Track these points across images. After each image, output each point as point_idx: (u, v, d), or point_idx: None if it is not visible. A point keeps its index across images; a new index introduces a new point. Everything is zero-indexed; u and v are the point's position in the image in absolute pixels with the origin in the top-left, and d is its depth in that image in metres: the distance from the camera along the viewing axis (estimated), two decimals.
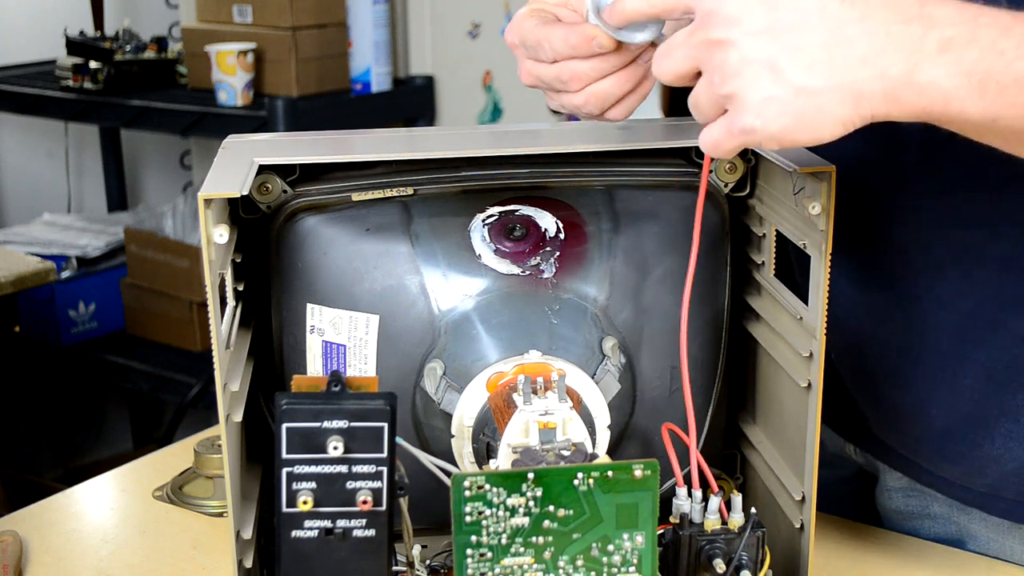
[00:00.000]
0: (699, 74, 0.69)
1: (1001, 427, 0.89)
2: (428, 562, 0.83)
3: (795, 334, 0.85)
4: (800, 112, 0.65)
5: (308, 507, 0.70)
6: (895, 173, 0.88)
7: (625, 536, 0.72)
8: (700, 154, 0.88)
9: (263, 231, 0.87)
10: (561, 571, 0.72)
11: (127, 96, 2.65)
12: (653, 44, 0.76)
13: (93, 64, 2.70)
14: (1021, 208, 0.83)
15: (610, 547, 0.72)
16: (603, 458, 0.74)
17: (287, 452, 0.70)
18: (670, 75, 0.70)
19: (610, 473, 0.71)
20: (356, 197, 0.86)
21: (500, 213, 0.87)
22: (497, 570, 0.72)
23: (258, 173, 0.82)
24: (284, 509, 0.70)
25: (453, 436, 0.82)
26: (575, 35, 0.76)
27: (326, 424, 0.69)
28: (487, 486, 0.70)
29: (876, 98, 0.65)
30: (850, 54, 0.64)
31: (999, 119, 0.65)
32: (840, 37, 0.65)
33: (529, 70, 0.80)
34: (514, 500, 0.70)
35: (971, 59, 0.64)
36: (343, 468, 0.70)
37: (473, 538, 0.71)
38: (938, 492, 0.97)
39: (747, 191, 0.91)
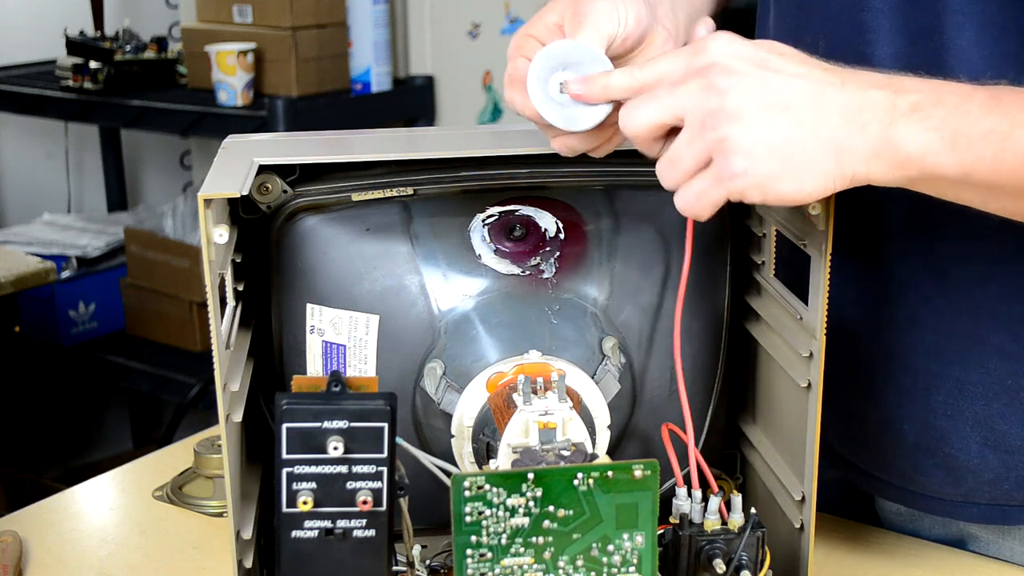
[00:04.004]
0: (670, 133, 0.72)
1: (977, 436, 0.90)
2: (428, 562, 0.83)
3: (795, 334, 0.85)
4: (787, 159, 0.69)
5: (308, 507, 0.70)
6: (866, 190, 0.89)
7: (625, 536, 0.72)
8: None
9: (263, 231, 0.87)
10: (561, 571, 0.72)
11: (127, 96, 2.65)
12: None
13: (93, 64, 2.70)
14: (994, 225, 0.84)
15: (610, 547, 0.72)
16: (603, 458, 0.74)
17: (287, 452, 0.70)
18: (645, 125, 0.72)
19: (610, 473, 0.71)
20: (356, 197, 0.86)
21: (500, 213, 0.87)
22: (497, 570, 0.72)
23: (258, 173, 0.82)
24: (284, 509, 0.70)
25: (453, 436, 0.82)
26: (528, 109, 0.78)
27: (326, 424, 0.69)
28: (487, 486, 0.70)
29: (856, 154, 0.69)
30: (833, 113, 0.69)
31: (971, 173, 0.69)
32: (824, 98, 0.69)
33: None
34: (514, 500, 0.70)
35: (939, 117, 0.69)
36: (343, 468, 0.70)
37: (473, 538, 0.71)
38: (910, 507, 0.97)
39: None
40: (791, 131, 0.68)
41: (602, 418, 0.82)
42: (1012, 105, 0.69)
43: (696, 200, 0.71)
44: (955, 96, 0.69)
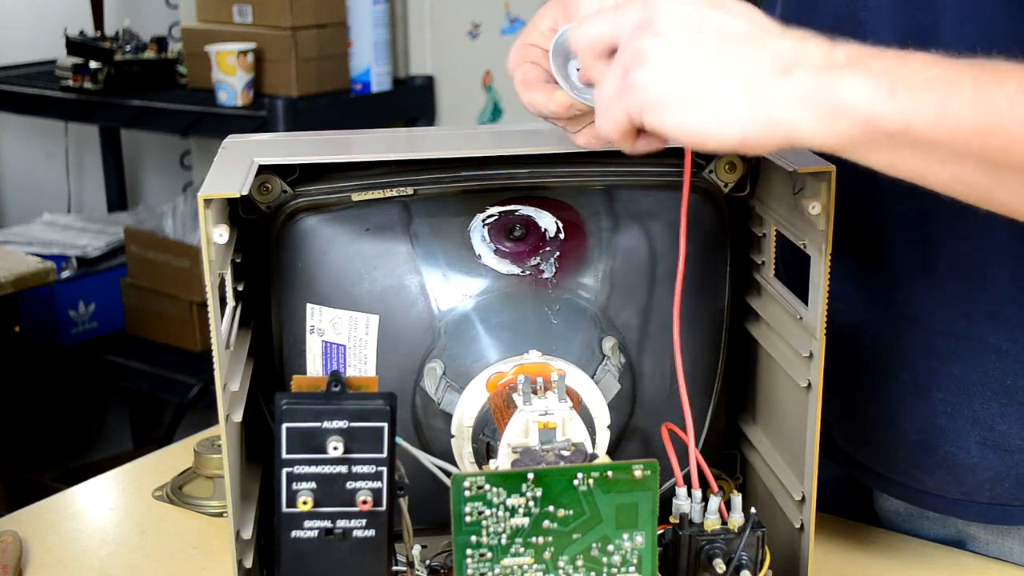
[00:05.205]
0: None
1: (976, 435, 0.90)
2: (428, 562, 0.83)
3: (795, 334, 0.85)
4: (693, 88, 0.65)
5: (308, 507, 0.70)
6: (864, 190, 0.89)
7: (625, 536, 0.72)
8: (701, 155, 0.88)
9: (263, 231, 0.87)
10: (561, 571, 0.72)
11: (127, 96, 2.65)
12: None
13: (93, 64, 2.70)
14: (989, 223, 0.84)
15: (610, 547, 0.72)
16: (603, 458, 0.74)
17: (287, 452, 0.70)
18: (587, 40, 0.70)
19: (610, 473, 0.71)
20: (356, 197, 0.86)
21: (500, 213, 0.87)
22: (497, 570, 0.72)
23: (258, 173, 0.82)
24: (284, 509, 0.70)
25: (453, 436, 0.82)
26: (554, 103, 0.77)
27: (326, 424, 0.69)
28: (487, 486, 0.70)
29: (774, 98, 0.64)
30: (763, 57, 0.64)
31: (912, 125, 0.63)
32: (758, 41, 0.65)
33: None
34: (514, 500, 0.70)
35: (879, 66, 0.63)
36: (343, 468, 0.70)
37: (473, 538, 0.71)
38: (912, 504, 0.97)
39: (747, 191, 0.91)
40: (708, 62, 0.65)
41: (602, 418, 0.82)
42: (959, 62, 0.64)
43: (604, 113, 0.69)
44: (894, 54, 0.65)
